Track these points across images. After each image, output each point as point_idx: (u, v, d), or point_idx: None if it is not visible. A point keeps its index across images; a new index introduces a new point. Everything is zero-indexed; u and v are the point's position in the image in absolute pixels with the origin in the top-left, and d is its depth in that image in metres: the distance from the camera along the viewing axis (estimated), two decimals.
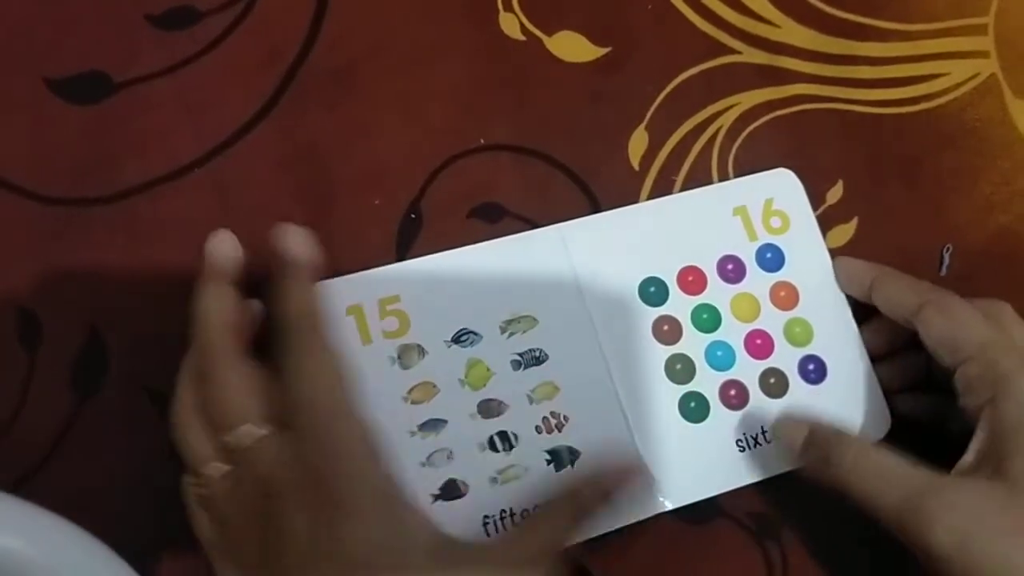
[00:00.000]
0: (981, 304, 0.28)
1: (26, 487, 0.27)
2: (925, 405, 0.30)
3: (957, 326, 0.27)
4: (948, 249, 0.33)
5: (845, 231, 0.32)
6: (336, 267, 0.29)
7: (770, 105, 0.33)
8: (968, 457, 0.25)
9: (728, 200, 0.31)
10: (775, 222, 0.31)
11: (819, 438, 0.27)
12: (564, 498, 0.25)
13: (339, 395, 0.24)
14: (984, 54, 0.34)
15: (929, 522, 0.24)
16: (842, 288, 0.30)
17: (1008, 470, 0.24)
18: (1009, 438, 0.25)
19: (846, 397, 0.30)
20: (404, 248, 0.30)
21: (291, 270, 0.25)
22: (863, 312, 0.30)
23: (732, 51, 0.33)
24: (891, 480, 0.25)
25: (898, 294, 0.28)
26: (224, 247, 0.26)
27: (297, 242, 0.26)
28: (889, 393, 0.30)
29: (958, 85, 0.34)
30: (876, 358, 0.30)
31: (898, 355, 0.30)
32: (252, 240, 0.29)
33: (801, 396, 0.29)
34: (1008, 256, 0.33)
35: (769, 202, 0.31)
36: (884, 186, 0.33)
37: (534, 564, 0.23)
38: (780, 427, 0.28)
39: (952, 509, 0.24)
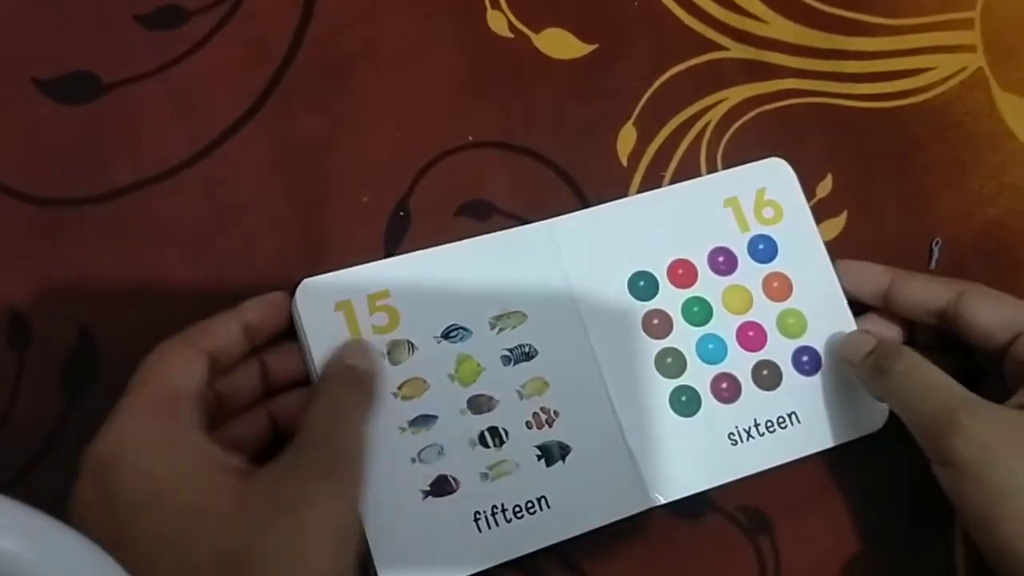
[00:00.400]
0: (954, 282, 0.29)
1: (17, 488, 0.27)
2: None
3: (1010, 306, 0.28)
4: (937, 242, 0.33)
5: (835, 225, 0.32)
6: (325, 264, 0.29)
7: (758, 100, 0.33)
8: (1014, 399, 0.27)
9: (719, 191, 0.31)
10: (768, 212, 0.31)
11: (881, 348, 0.28)
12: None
13: None
14: (971, 48, 0.34)
15: (958, 430, 0.25)
16: (849, 291, 0.30)
17: None
18: None
19: (841, 388, 0.30)
20: (393, 245, 0.30)
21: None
22: (854, 307, 0.31)
23: (719, 47, 0.33)
24: (933, 391, 0.26)
25: (926, 289, 0.29)
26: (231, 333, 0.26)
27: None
28: None
29: (945, 79, 0.34)
30: None
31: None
32: (242, 239, 0.29)
33: (795, 387, 0.29)
34: (997, 249, 0.33)
35: (761, 192, 0.31)
36: (873, 180, 0.33)
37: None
38: (849, 338, 0.29)
39: (980, 424, 0.25)
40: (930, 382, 0.27)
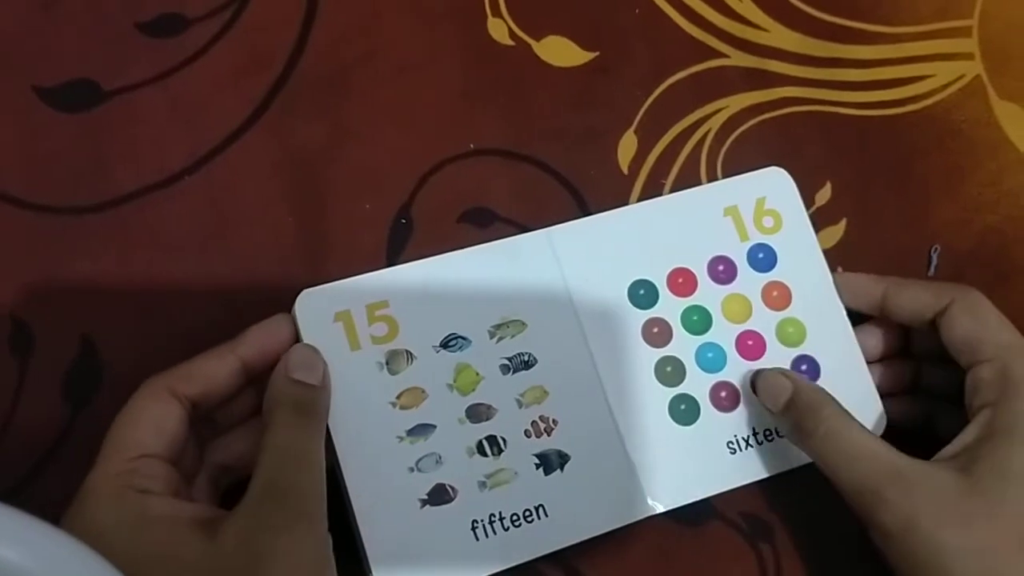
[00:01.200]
0: (951, 289, 0.28)
1: (18, 497, 0.27)
2: (916, 410, 0.30)
3: (981, 327, 0.27)
4: (936, 249, 0.33)
5: (834, 233, 0.32)
6: (327, 272, 0.29)
7: (758, 108, 0.33)
8: (949, 448, 0.26)
9: (719, 200, 0.31)
10: (767, 222, 0.31)
11: (800, 402, 0.27)
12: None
13: None
14: (969, 56, 0.34)
15: (881, 503, 0.25)
16: (847, 303, 0.30)
17: (978, 467, 0.25)
18: (995, 441, 0.25)
19: (840, 397, 0.29)
20: (395, 253, 0.30)
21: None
22: (854, 317, 0.31)
23: (720, 55, 0.33)
24: (857, 458, 0.26)
25: (918, 298, 0.28)
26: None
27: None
28: (880, 396, 0.30)
29: (944, 87, 0.34)
30: (868, 362, 0.30)
31: (890, 360, 0.31)
32: (244, 247, 0.30)
33: None
34: (995, 256, 0.33)
35: (761, 201, 0.31)
36: (872, 188, 0.33)
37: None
38: (765, 381, 0.28)
39: (906, 494, 0.25)
40: (853, 450, 0.26)
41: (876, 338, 0.30)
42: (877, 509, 0.25)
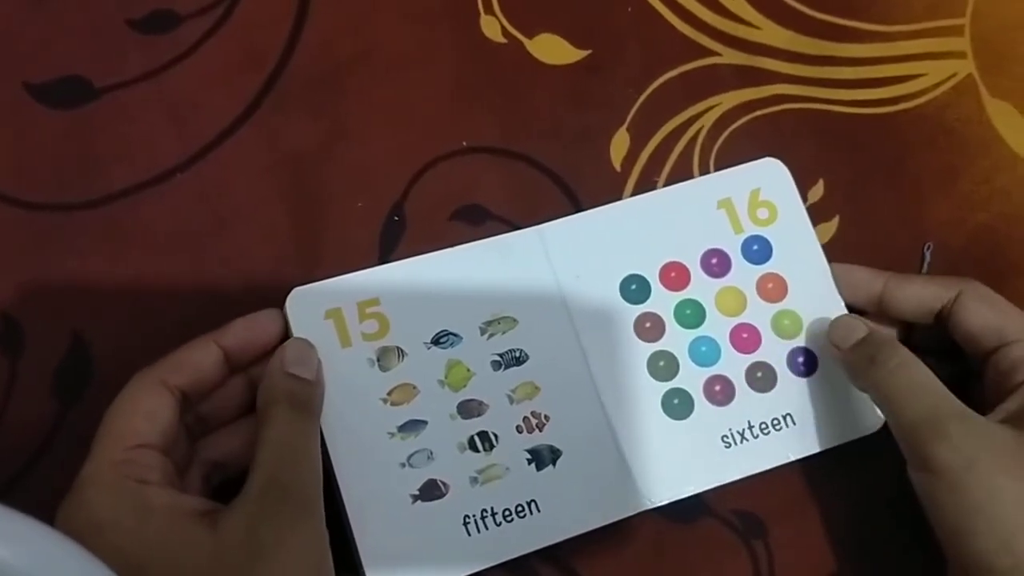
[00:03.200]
0: (955, 282, 0.28)
1: (10, 494, 0.27)
2: None
3: (1002, 312, 0.28)
4: (929, 247, 0.33)
5: (827, 230, 0.32)
6: (320, 269, 0.29)
7: (750, 106, 0.33)
8: (996, 412, 0.26)
9: (712, 193, 0.31)
10: (762, 213, 0.31)
11: (877, 337, 0.28)
12: None
13: None
14: (961, 55, 0.34)
15: (945, 438, 0.25)
16: (843, 297, 0.30)
17: None
18: None
19: (837, 388, 0.29)
20: (387, 250, 0.30)
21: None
22: (851, 310, 0.31)
23: (712, 53, 0.33)
24: (923, 392, 0.26)
25: (922, 292, 0.29)
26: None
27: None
28: None
29: (936, 85, 0.34)
30: None
31: None
32: (236, 244, 0.29)
33: (790, 389, 0.29)
34: (988, 253, 0.33)
35: (756, 193, 0.31)
36: (865, 185, 0.33)
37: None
38: (840, 321, 0.29)
39: (968, 435, 0.25)
40: (922, 383, 0.26)
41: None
42: (937, 443, 0.25)
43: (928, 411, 0.26)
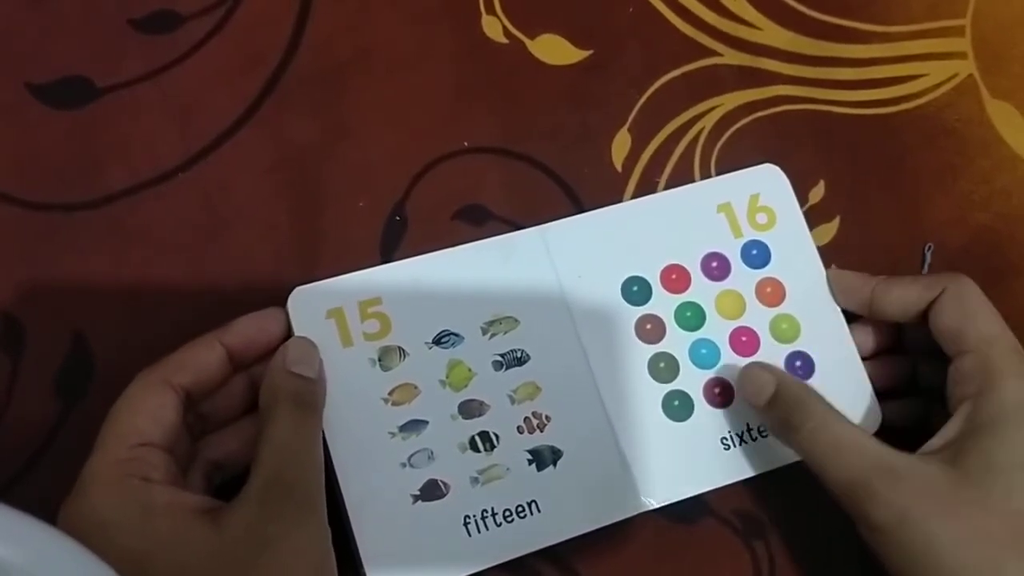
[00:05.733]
0: (942, 279, 0.28)
1: (11, 494, 0.27)
2: (911, 407, 0.30)
3: (966, 317, 0.27)
4: (930, 247, 0.33)
5: (827, 230, 0.33)
6: (321, 269, 0.29)
7: (751, 106, 0.33)
8: (934, 441, 0.26)
9: (712, 197, 0.31)
10: (761, 218, 0.31)
11: (785, 397, 0.27)
12: None
13: None
14: (962, 55, 0.35)
15: (871, 497, 0.25)
16: (837, 302, 0.30)
17: (965, 460, 0.25)
18: (978, 433, 0.25)
19: (835, 392, 0.29)
20: (389, 250, 0.30)
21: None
22: (848, 314, 0.31)
23: (713, 53, 0.33)
24: (845, 454, 0.25)
25: (907, 292, 0.28)
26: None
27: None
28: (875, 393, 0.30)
29: (937, 86, 0.34)
30: (862, 359, 0.30)
31: (884, 356, 0.31)
32: (237, 244, 0.30)
33: None
34: (988, 253, 0.33)
35: (755, 198, 0.31)
36: (865, 186, 0.33)
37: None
38: (748, 376, 0.28)
39: (895, 487, 0.25)
40: (841, 444, 0.25)
41: (870, 335, 0.30)
42: (867, 503, 0.25)
43: (851, 472, 0.25)
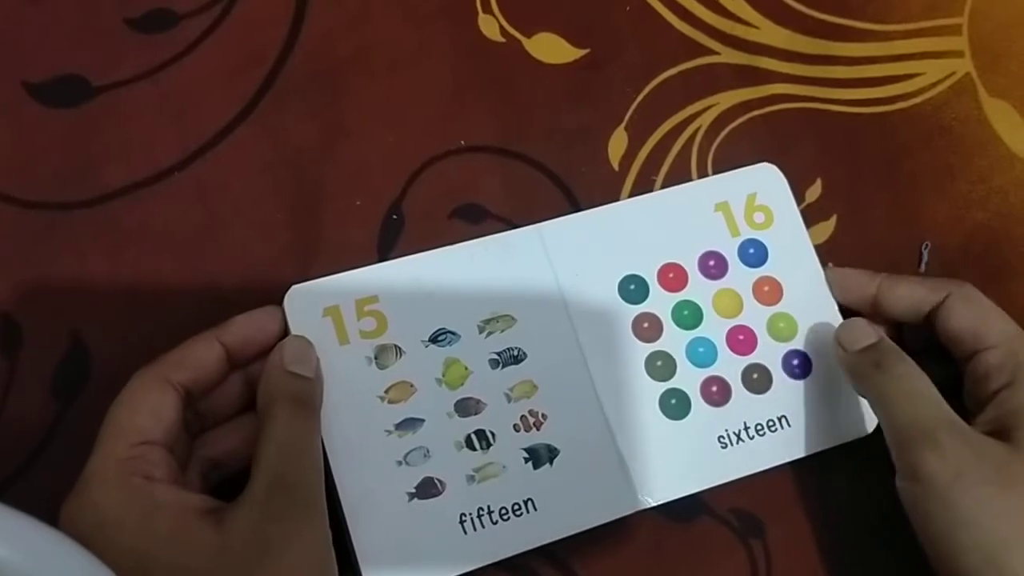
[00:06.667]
0: (946, 283, 0.29)
1: (8, 493, 0.27)
2: None
3: (983, 316, 0.28)
4: (927, 246, 0.33)
5: (824, 229, 0.33)
6: (318, 268, 0.29)
7: (748, 105, 0.33)
8: (978, 427, 0.27)
9: (710, 196, 0.31)
10: (758, 217, 0.31)
11: (886, 345, 0.28)
12: None
13: None
14: (959, 54, 0.35)
15: (934, 447, 0.25)
16: (837, 298, 0.30)
17: (1016, 438, 0.26)
18: (1016, 415, 0.26)
19: (831, 391, 0.30)
20: (386, 249, 0.30)
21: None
22: (845, 312, 0.31)
23: (710, 52, 0.33)
24: (920, 400, 0.26)
25: (913, 292, 0.29)
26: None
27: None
28: None
29: (934, 84, 0.34)
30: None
31: None
32: (234, 243, 0.30)
33: (785, 391, 0.29)
34: (985, 252, 0.33)
35: (752, 197, 0.31)
36: (862, 184, 0.33)
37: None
38: (854, 324, 0.29)
39: (957, 445, 0.25)
40: (921, 391, 0.26)
41: (862, 336, 0.30)
42: (928, 451, 0.25)
43: (921, 418, 0.26)
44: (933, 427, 0.25)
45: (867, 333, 0.28)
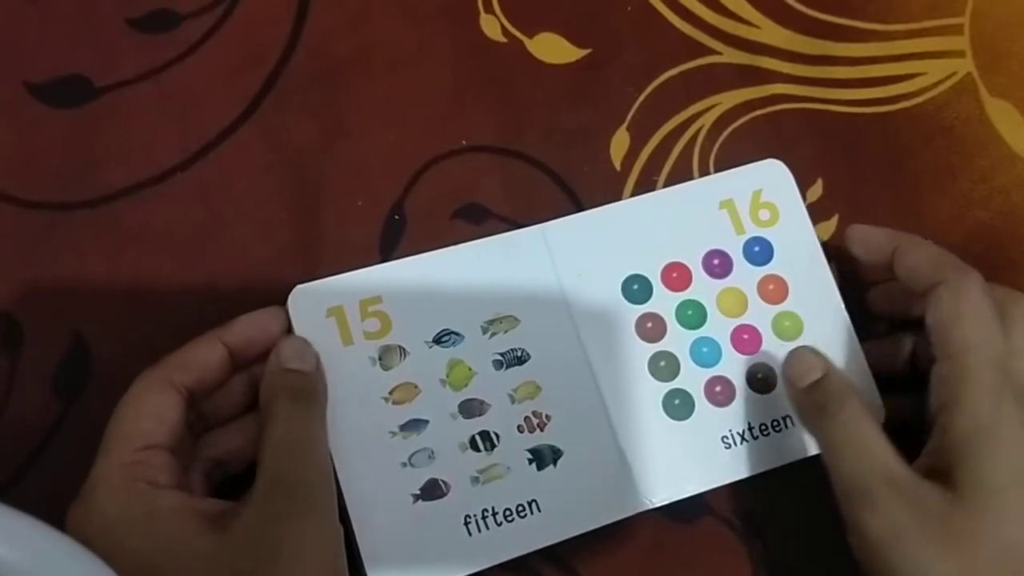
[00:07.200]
0: (1000, 294, 0.26)
1: (8, 493, 0.27)
2: (914, 407, 0.30)
3: (953, 320, 0.25)
4: None
5: (826, 229, 0.33)
6: (320, 268, 0.29)
7: (750, 105, 0.33)
8: (921, 460, 0.26)
9: (714, 194, 0.31)
10: (764, 214, 0.31)
11: (830, 383, 0.27)
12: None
13: None
14: (960, 54, 0.35)
15: (873, 505, 0.24)
16: (858, 256, 0.29)
17: (955, 479, 0.24)
18: (962, 449, 0.24)
19: None
20: (388, 249, 0.30)
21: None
22: (851, 314, 0.30)
23: (712, 52, 0.33)
24: (863, 451, 0.25)
25: (920, 265, 0.27)
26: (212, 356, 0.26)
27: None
28: (877, 374, 0.29)
29: (935, 84, 0.34)
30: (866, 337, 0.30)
31: (887, 338, 0.30)
32: (236, 243, 0.29)
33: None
34: (987, 252, 0.33)
35: (757, 194, 0.31)
36: (864, 184, 0.33)
37: None
38: (798, 357, 0.28)
39: (896, 500, 0.24)
40: (863, 441, 0.25)
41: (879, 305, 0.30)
42: (867, 510, 0.24)
43: (859, 473, 0.25)
44: (870, 484, 0.24)
45: (812, 366, 0.27)
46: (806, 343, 0.30)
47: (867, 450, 0.25)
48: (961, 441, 0.24)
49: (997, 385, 0.25)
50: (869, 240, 0.29)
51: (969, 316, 0.25)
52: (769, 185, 0.31)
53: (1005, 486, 0.24)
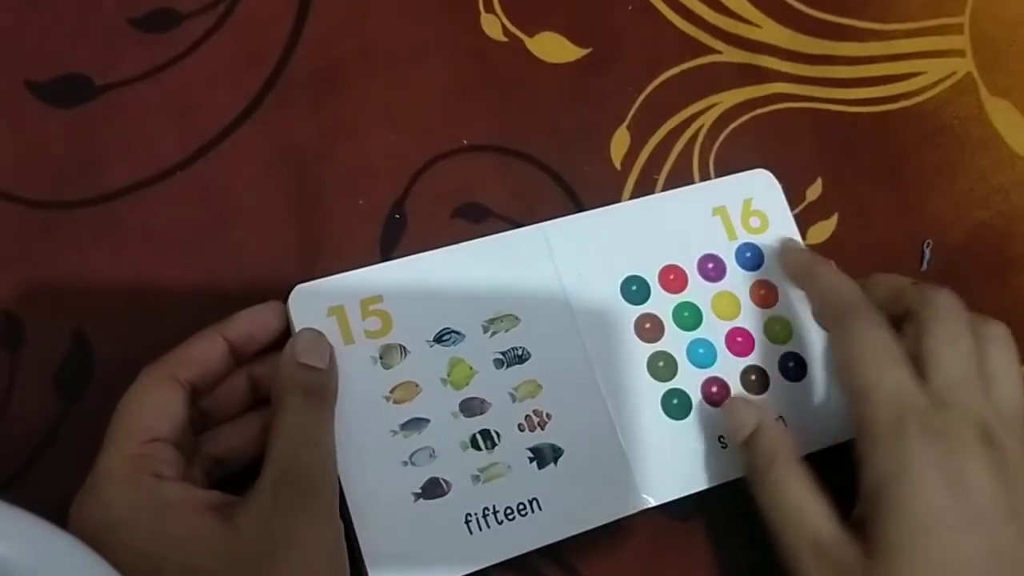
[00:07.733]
0: (973, 322, 0.27)
1: (9, 491, 0.27)
2: None
3: (841, 369, 0.26)
4: (928, 245, 0.33)
5: (825, 227, 0.33)
6: (321, 267, 0.29)
7: (750, 104, 0.33)
8: (856, 508, 0.26)
9: (708, 200, 0.31)
10: (754, 222, 0.31)
11: (760, 441, 0.27)
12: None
13: None
14: (960, 53, 0.35)
15: (800, 572, 0.25)
16: (786, 273, 0.30)
17: (869, 537, 0.24)
18: (868, 502, 0.25)
19: (826, 393, 0.30)
20: (389, 248, 0.30)
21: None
22: None
23: (712, 51, 0.33)
24: (792, 515, 0.25)
25: (820, 306, 0.29)
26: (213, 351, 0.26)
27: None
28: None
29: (935, 84, 0.34)
30: None
31: None
32: (237, 242, 0.30)
33: (781, 392, 0.30)
34: (987, 251, 0.33)
35: (748, 202, 0.31)
36: (864, 183, 0.33)
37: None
38: (733, 410, 0.28)
39: (819, 567, 0.24)
40: (789, 503, 0.25)
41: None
42: None
43: (789, 541, 0.25)
44: (797, 552, 0.25)
45: (747, 421, 0.27)
46: (795, 347, 0.30)
47: (793, 513, 0.25)
48: (871, 494, 0.25)
49: (897, 427, 0.24)
50: (792, 263, 0.30)
51: (857, 361, 0.26)
52: (758, 194, 0.31)
53: (911, 540, 0.24)
